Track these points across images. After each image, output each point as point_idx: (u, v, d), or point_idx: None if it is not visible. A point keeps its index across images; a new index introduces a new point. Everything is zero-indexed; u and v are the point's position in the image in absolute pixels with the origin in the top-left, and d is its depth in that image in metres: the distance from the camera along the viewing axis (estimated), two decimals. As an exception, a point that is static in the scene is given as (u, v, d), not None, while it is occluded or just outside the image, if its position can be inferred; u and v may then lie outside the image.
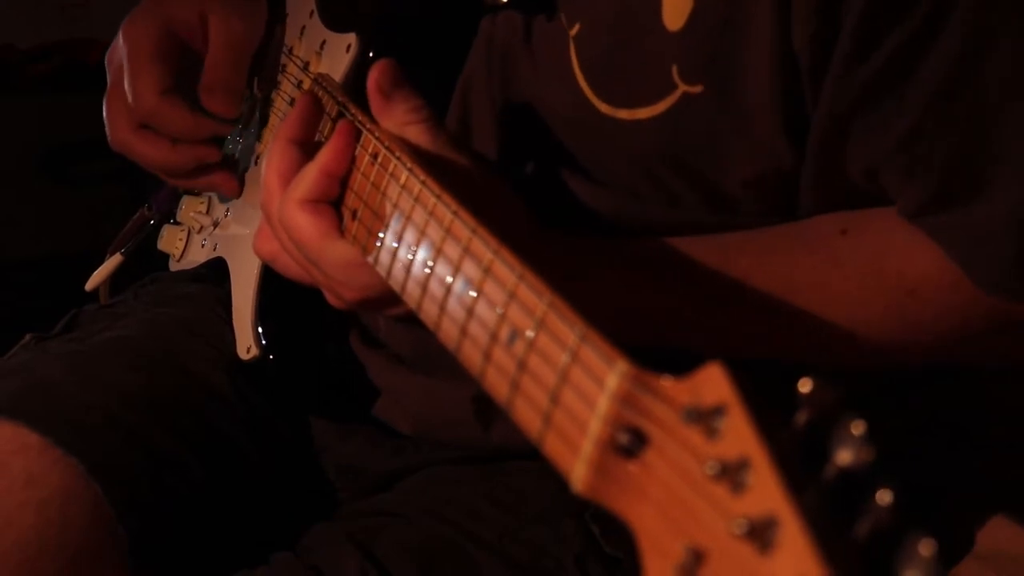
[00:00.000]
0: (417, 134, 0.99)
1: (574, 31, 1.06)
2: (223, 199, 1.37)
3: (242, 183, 1.34)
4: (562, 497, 1.17)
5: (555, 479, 1.16)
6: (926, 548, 0.54)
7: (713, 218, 1.07)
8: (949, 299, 1.03)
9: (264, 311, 1.23)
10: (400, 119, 1.00)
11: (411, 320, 0.98)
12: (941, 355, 1.08)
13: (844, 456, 0.58)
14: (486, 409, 1.20)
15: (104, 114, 1.32)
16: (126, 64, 1.28)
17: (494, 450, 1.23)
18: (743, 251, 1.06)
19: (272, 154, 1.04)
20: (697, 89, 1.01)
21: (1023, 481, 1.20)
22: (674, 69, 1.01)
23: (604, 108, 1.05)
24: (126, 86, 1.28)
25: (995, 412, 1.24)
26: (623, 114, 1.04)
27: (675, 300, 1.06)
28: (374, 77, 1.01)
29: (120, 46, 1.30)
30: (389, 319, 1.10)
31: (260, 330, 1.23)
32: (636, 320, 1.03)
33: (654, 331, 1.04)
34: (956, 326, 1.04)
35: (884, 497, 0.56)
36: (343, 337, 1.31)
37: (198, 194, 1.39)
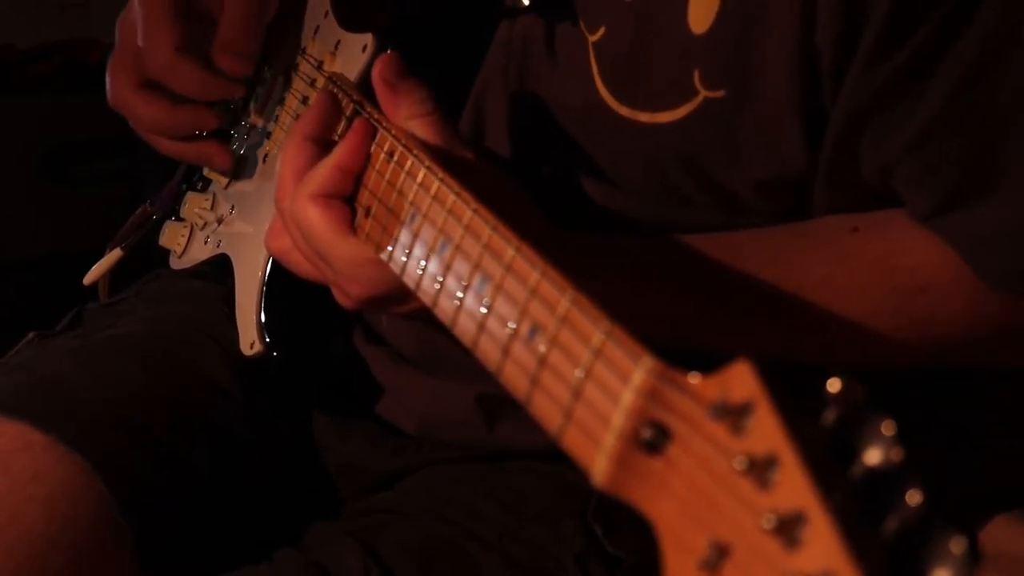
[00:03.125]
0: (423, 127, 0.99)
1: (595, 36, 1.06)
2: (227, 196, 1.37)
3: (243, 166, 1.33)
4: (562, 497, 1.18)
5: (555, 479, 1.17)
6: (957, 546, 0.54)
7: (724, 219, 1.08)
8: (959, 297, 1.03)
9: (269, 306, 1.23)
10: (405, 112, 1.00)
11: (416, 318, 0.98)
12: (947, 355, 1.08)
13: (873, 455, 0.58)
14: (491, 410, 1.21)
15: (107, 74, 1.29)
16: (142, 21, 1.25)
17: (495, 450, 1.23)
18: (752, 249, 1.06)
19: (287, 150, 1.03)
20: (719, 94, 1.01)
21: (1023, 481, 1.20)
22: (696, 74, 1.01)
23: (624, 111, 1.05)
24: (140, 41, 1.24)
25: (995, 412, 1.24)
26: (643, 117, 1.05)
27: (678, 302, 1.05)
28: (379, 69, 1.01)
29: (135, 7, 1.27)
30: (393, 317, 1.10)
31: (264, 324, 1.23)
32: (640, 322, 1.03)
33: (657, 332, 1.04)
34: (965, 324, 1.05)
35: (914, 497, 0.56)
36: (347, 334, 1.31)
37: (202, 190, 1.39)
